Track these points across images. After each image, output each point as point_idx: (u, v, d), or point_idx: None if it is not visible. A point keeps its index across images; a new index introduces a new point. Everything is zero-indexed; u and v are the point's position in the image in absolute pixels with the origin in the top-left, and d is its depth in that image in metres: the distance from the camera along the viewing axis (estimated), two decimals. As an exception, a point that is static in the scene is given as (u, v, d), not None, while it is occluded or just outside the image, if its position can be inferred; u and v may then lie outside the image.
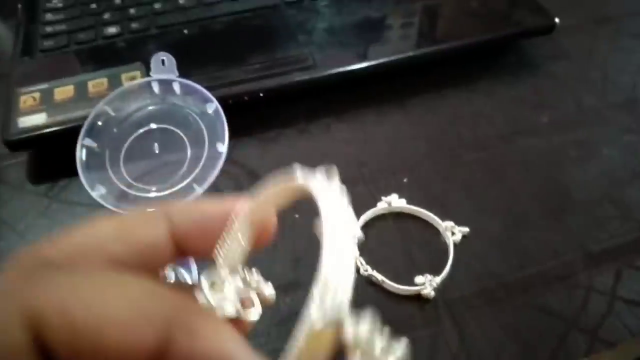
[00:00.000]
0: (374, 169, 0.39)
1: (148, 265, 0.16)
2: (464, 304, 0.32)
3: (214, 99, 0.36)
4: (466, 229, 0.35)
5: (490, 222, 0.36)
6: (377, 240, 0.35)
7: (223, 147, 0.34)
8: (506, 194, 0.38)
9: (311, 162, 0.39)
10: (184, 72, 0.39)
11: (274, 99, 0.43)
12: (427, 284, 0.32)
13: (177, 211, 0.17)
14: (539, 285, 0.32)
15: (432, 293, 0.32)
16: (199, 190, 0.34)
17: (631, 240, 0.35)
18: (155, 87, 0.38)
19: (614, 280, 0.33)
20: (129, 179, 0.36)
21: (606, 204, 0.37)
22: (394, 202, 0.37)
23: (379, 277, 0.32)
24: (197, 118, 0.36)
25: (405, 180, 0.39)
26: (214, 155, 0.35)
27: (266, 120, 0.43)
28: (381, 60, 0.44)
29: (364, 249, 0.35)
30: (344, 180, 0.39)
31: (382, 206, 0.36)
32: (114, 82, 0.42)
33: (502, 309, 0.31)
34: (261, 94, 0.41)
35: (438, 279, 0.32)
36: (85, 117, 0.37)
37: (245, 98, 0.41)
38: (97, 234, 0.15)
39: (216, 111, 0.36)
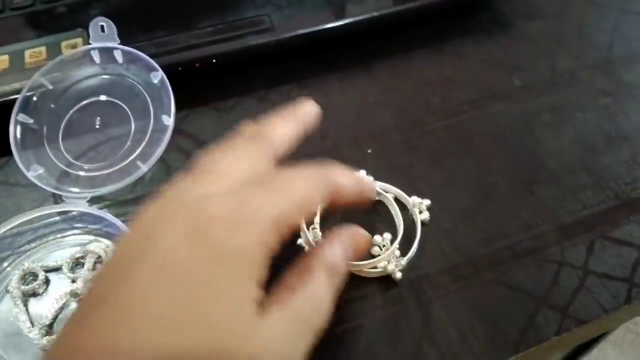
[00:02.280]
0: (337, 141, 0.37)
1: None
2: (429, 282, 0.30)
3: (158, 67, 0.33)
4: (433, 204, 0.33)
5: (458, 195, 0.34)
6: (342, 220, 0.33)
7: (169, 120, 0.32)
8: (475, 163, 0.35)
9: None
10: (128, 38, 0.36)
11: (229, 66, 0.40)
12: (392, 264, 0.30)
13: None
14: (508, 261, 0.31)
15: (399, 274, 0.30)
16: (144, 168, 0.31)
17: (605, 209, 0.33)
18: (95, 56, 0.35)
19: (587, 254, 0.31)
20: (69, 157, 0.33)
21: (580, 172, 0.35)
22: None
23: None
24: (142, 88, 0.33)
25: (369, 151, 0.36)
26: (160, 128, 0.32)
27: (222, 89, 0.40)
28: (345, 22, 0.41)
29: (326, 227, 0.32)
30: (306, 153, 0.36)
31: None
32: (53, 51, 0.38)
33: (469, 286, 0.30)
34: (214, 60, 0.38)
35: (403, 260, 0.30)
36: (20, 90, 0.34)
37: (197, 65, 0.38)
38: None
39: (162, 81, 0.33)
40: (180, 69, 0.38)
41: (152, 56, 0.37)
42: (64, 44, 0.39)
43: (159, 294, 0.17)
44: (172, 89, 0.39)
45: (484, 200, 0.34)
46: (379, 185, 0.34)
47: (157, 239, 0.18)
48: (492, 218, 0.33)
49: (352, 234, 0.25)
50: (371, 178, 0.34)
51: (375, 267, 0.30)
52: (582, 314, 0.29)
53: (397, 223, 0.32)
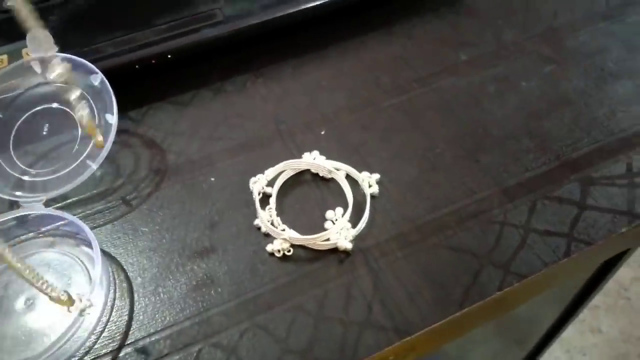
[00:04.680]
0: (292, 125, 0.39)
1: None
2: (379, 250, 0.32)
3: (97, 70, 0.34)
4: (382, 178, 0.35)
5: (406, 168, 0.35)
6: (296, 198, 0.35)
7: (113, 119, 0.33)
8: (423, 137, 0.37)
9: (227, 123, 0.39)
10: (78, 43, 0.37)
11: (185, 60, 0.41)
12: (342, 235, 0.32)
13: None
14: (454, 225, 0.32)
15: (349, 245, 0.31)
16: (94, 166, 0.32)
17: (546, 171, 0.35)
18: (36, 67, 0.36)
19: (529, 213, 0.33)
20: (22, 165, 0.35)
21: (523, 137, 0.37)
22: (313, 158, 0.36)
23: (294, 233, 0.32)
24: (84, 92, 0.35)
25: (322, 132, 0.38)
26: (105, 128, 0.34)
27: (179, 83, 0.42)
28: (295, 9, 0.42)
29: (283, 207, 0.34)
30: (262, 138, 0.38)
31: (301, 163, 0.35)
32: (17, 59, 0.40)
33: (417, 251, 0.31)
34: (169, 56, 0.40)
35: (353, 231, 0.32)
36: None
37: (153, 61, 0.40)
38: None
39: (102, 82, 0.34)
40: (137, 66, 0.39)
41: (109, 57, 0.39)
42: (24, 51, 0.40)
43: None
44: (131, 86, 0.41)
45: (430, 171, 0.35)
46: (331, 164, 0.35)
47: None
48: (438, 187, 0.34)
49: None
50: (323, 158, 0.36)
51: (327, 240, 0.32)
52: (523, 269, 0.31)
53: (347, 198, 0.34)
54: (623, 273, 1.30)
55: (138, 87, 0.41)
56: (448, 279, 0.30)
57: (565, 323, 0.86)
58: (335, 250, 0.32)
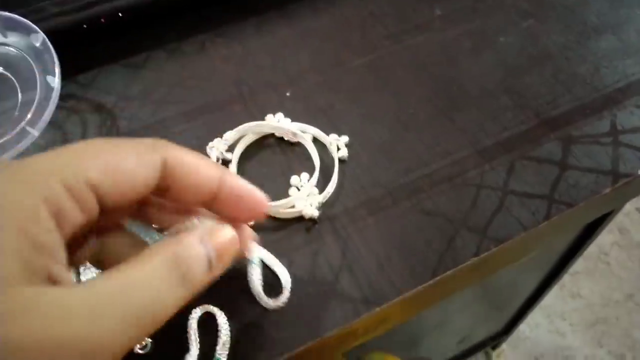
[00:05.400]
0: (254, 86, 0.36)
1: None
2: (347, 217, 0.29)
3: (38, 29, 0.31)
4: (352, 141, 0.32)
5: (377, 130, 0.33)
6: (259, 164, 0.32)
7: (55, 81, 0.30)
8: (395, 97, 0.35)
9: (183, 85, 0.36)
10: (20, 2, 0.34)
11: (137, 19, 0.38)
12: (308, 202, 0.29)
13: (175, 155, 0.19)
14: (427, 189, 0.30)
15: (316, 212, 0.29)
16: (35, 132, 0.30)
17: (525, 130, 0.33)
18: None
19: (507, 175, 0.31)
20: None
21: (501, 95, 0.35)
22: (277, 120, 0.33)
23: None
24: (24, 54, 0.32)
25: (288, 94, 0.35)
26: (47, 92, 0.31)
27: (132, 44, 0.39)
28: (257, -36, 0.39)
29: (245, 174, 0.32)
30: (222, 101, 0.35)
31: (263, 126, 0.33)
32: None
33: (387, 218, 0.29)
34: (120, 14, 0.37)
35: (320, 197, 0.30)
36: None
37: (102, 20, 0.36)
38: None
39: (43, 43, 0.31)
40: (85, 26, 0.36)
41: (53, 16, 0.36)
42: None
43: None
44: (80, 48, 0.37)
45: (402, 132, 0.33)
46: (297, 127, 0.33)
47: None
48: (411, 149, 0.32)
49: (213, 230, 0.20)
50: (288, 120, 0.33)
51: (292, 207, 0.29)
52: (501, 233, 0.29)
53: (314, 162, 0.31)
54: (603, 238, 1.31)
55: (87, 49, 0.38)
56: (421, 245, 0.28)
57: (547, 289, 0.85)
58: (301, 219, 0.30)
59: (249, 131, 0.33)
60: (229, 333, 0.25)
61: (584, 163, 0.31)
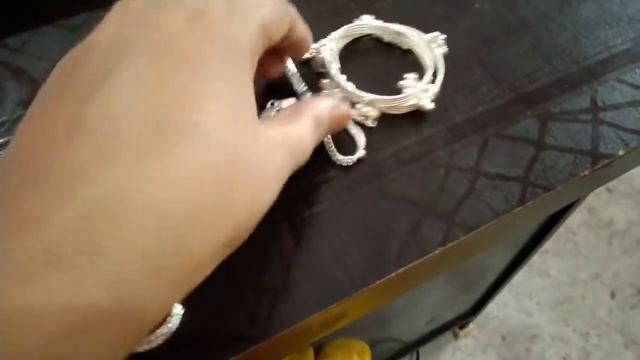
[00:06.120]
0: None
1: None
2: (303, 203, 0.26)
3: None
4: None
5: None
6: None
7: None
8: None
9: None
10: None
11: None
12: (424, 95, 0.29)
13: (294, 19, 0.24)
14: (392, 169, 0.27)
15: (431, 105, 0.29)
16: None
17: (500, 105, 0.30)
18: None
19: (478, 154, 0.28)
20: None
21: (474, 67, 0.31)
22: (369, 22, 0.32)
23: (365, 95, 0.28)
24: None
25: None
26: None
27: (69, 3, 0.34)
28: None
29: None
30: None
31: (364, 27, 0.32)
32: None
33: (344, 203, 0.26)
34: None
35: (435, 88, 0.29)
36: None
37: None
38: None
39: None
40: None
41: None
42: None
43: (159, 73, 0.17)
44: (7, 9, 0.33)
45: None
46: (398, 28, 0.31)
47: (155, 22, 0.18)
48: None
49: (338, 105, 0.26)
50: (381, 21, 0.32)
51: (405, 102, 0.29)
52: (470, 220, 0.26)
53: (423, 58, 0.31)
54: (572, 217, 1.31)
55: (17, 10, 0.34)
56: (382, 233, 0.25)
57: (516, 269, 0.84)
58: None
59: (345, 34, 0.31)
60: None
61: (562, 142, 0.28)
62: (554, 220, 0.68)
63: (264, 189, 0.19)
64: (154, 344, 0.21)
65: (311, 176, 0.27)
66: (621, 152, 0.28)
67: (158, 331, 0.20)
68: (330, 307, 0.23)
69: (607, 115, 0.30)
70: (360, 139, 0.28)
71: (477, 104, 0.30)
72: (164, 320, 0.21)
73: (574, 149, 0.28)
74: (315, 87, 0.29)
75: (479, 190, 0.27)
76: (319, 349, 0.53)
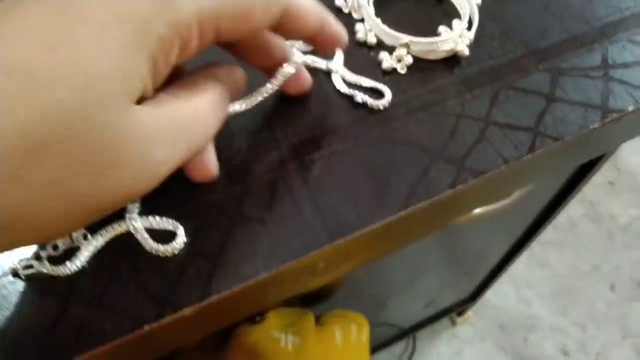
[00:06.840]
0: None
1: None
2: (313, 146, 0.26)
3: None
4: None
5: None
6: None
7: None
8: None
9: None
10: None
11: None
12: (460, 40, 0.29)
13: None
14: (402, 117, 0.27)
15: (467, 50, 0.29)
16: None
17: (512, 59, 0.30)
18: None
19: (489, 105, 0.28)
20: None
21: (486, 22, 0.31)
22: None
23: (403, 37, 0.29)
24: None
25: None
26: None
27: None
28: None
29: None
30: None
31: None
32: None
33: (357, 146, 0.26)
34: None
35: (470, 34, 0.30)
36: None
37: None
38: None
39: None
40: None
41: None
42: None
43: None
44: None
45: (378, 55, 0.30)
46: None
47: None
48: (386, 72, 0.29)
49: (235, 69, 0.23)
50: None
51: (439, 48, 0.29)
52: (480, 165, 0.26)
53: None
54: (574, 209, 1.31)
55: None
56: (391, 176, 0.25)
57: (514, 257, 0.85)
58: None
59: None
60: None
61: (573, 96, 0.29)
62: (552, 209, 0.69)
63: (131, 176, 0.17)
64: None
65: (323, 120, 0.27)
66: (631, 108, 0.28)
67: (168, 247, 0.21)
68: (338, 241, 0.24)
69: (618, 73, 0.30)
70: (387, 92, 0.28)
71: (489, 57, 0.30)
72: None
73: (584, 103, 0.28)
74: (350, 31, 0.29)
75: (489, 138, 0.27)
76: (318, 319, 0.54)
